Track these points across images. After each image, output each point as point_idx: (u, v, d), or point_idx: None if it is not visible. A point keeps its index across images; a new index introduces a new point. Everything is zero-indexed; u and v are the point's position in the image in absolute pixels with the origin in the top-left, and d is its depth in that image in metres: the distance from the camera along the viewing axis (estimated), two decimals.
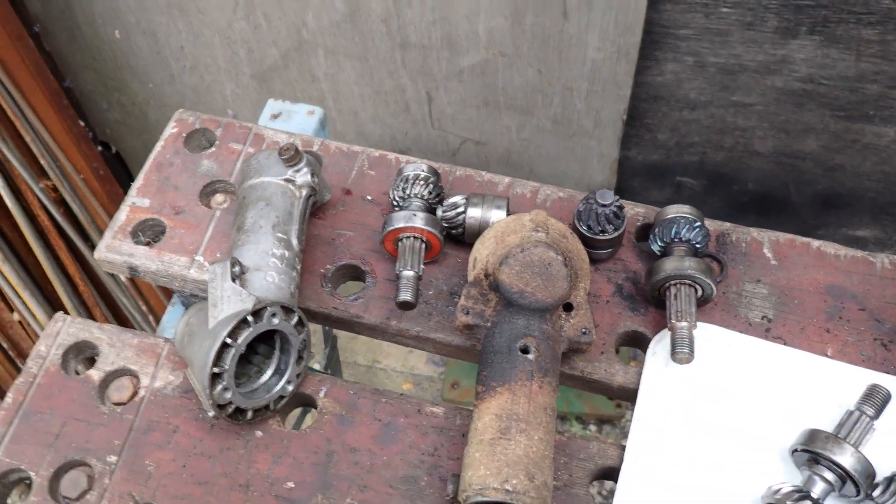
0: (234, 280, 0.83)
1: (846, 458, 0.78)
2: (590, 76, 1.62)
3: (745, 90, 1.63)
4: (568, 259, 0.85)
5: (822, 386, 0.89)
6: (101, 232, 1.86)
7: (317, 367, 1.48)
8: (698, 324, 0.89)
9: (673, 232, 0.90)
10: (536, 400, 0.80)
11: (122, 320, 2.03)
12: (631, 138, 1.80)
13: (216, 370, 0.80)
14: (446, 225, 0.96)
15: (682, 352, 0.83)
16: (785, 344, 0.91)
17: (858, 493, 0.79)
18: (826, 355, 0.90)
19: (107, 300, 1.98)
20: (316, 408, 0.91)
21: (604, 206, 0.92)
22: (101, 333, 0.96)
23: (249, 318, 0.81)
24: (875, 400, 0.83)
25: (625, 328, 0.93)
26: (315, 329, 2.22)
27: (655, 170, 1.88)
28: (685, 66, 1.61)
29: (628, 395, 0.90)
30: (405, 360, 2.30)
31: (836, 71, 1.55)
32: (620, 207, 0.94)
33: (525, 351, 0.82)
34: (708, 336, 0.91)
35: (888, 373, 0.89)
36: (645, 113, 1.74)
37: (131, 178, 2.22)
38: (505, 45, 1.59)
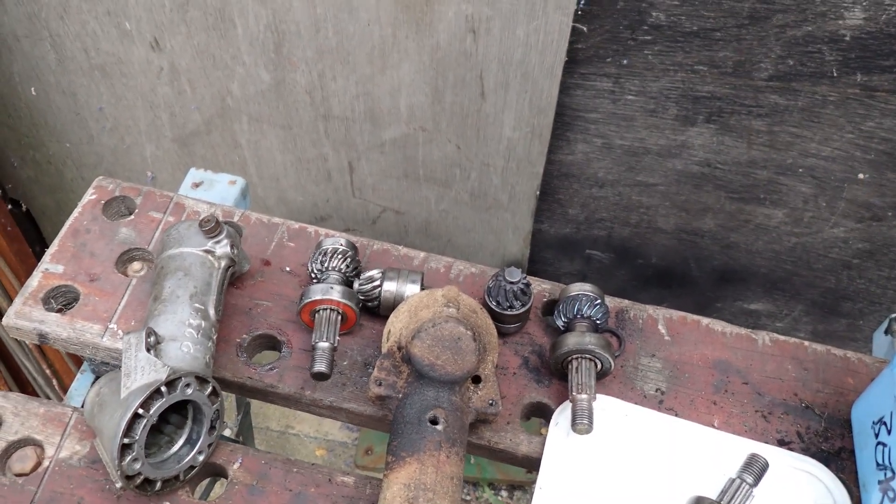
0: (148, 350, 0.84)
1: None
2: (506, 153, 1.70)
3: (649, 171, 1.74)
4: (477, 334, 0.89)
5: (709, 455, 0.95)
6: (5, 291, 1.80)
7: (228, 433, 1.47)
8: (598, 396, 0.94)
9: (575, 309, 0.96)
10: (444, 470, 0.83)
11: (22, 383, 1.96)
12: (544, 212, 1.89)
13: (126, 441, 0.80)
14: (363, 298, 1.00)
15: (581, 423, 0.88)
16: (676, 415, 0.97)
17: None
18: (713, 426, 0.97)
19: (7, 362, 1.91)
20: (227, 478, 0.91)
21: (511, 283, 0.97)
22: (4, 402, 0.94)
23: (163, 389, 0.82)
24: (754, 468, 0.89)
25: (530, 399, 0.97)
26: (229, 395, 2.19)
27: (567, 243, 1.97)
28: (594, 147, 1.71)
29: (533, 464, 0.94)
30: (318, 426, 2.28)
31: (730, 157, 1.68)
32: (527, 284, 0.99)
33: (434, 422, 0.85)
34: (607, 407, 0.97)
35: (767, 443, 0.96)
36: (557, 189, 1.83)
37: (42, 237, 2.17)
38: (425, 121, 1.65)
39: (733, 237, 1.85)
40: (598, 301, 0.96)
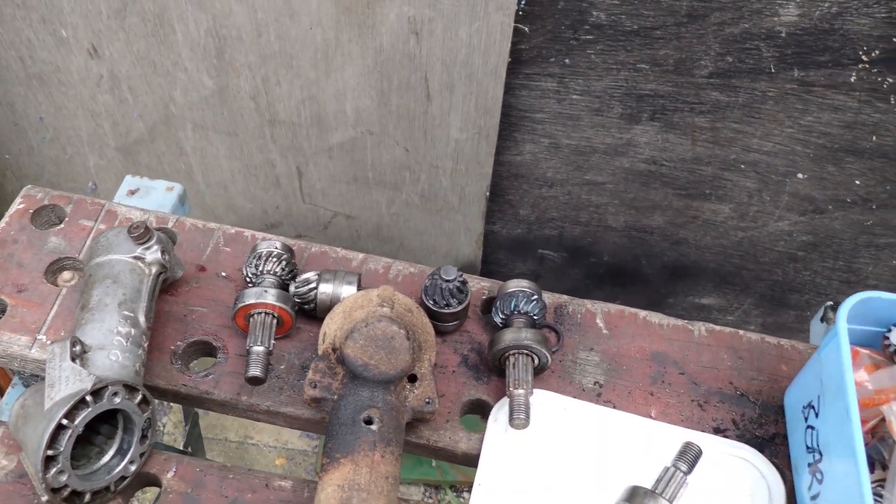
0: (73, 359, 0.82)
1: None
2: (454, 155, 1.70)
3: (597, 170, 1.76)
4: (412, 332, 0.88)
5: (645, 445, 0.96)
6: None
7: (176, 445, 1.45)
8: (536, 391, 0.94)
9: (512, 305, 0.96)
10: (379, 469, 0.82)
11: None
12: (495, 213, 1.89)
13: (50, 452, 0.78)
14: (298, 300, 0.99)
15: (518, 418, 0.88)
16: (614, 407, 0.98)
17: None
18: (650, 416, 0.97)
19: None
20: (161, 487, 0.90)
21: (447, 281, 0.97)
22: None
23: (88, 398, 0.80)
24: (688, 456, 0.90)
25: (469, 396, 0.97)
26: (177, 407, 2.15)
27: (519, 243, 1.98)
28: (542, 147, 1.72)
29: (472, 462, 0.94)
30: (278, 436, 2.26)
31: (675, 154, 1.70)
32: (464, 282, 0.99)
33: (368, 422, 0.84)
34: (545, 402, 0.97)
35: (703, 431, 0.97)
36: (507, 190, 1.83)
37: None
38: (372, 124, 1.65)
39: (682, 233, 1.87)
40: (535, 297, 0.97)
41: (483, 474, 0.91)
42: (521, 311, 0.95)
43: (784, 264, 1.89)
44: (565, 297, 1.06)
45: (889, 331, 0.89)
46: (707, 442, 0.94)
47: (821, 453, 0.84)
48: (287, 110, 1.63)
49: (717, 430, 0.97)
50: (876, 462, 0.85)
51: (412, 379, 0.91)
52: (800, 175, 1.69)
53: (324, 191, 1.81)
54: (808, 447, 0.87)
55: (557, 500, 0.91)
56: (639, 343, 1.03)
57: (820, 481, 0.83)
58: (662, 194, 1.79)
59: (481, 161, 1.70)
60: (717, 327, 1.05)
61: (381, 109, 1.62)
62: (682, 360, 1.02)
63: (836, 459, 0.81)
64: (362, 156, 1.72)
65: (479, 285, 1.08)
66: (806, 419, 0.89)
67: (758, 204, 1.78)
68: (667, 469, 0.90)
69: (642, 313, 1.06)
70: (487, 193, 1.78)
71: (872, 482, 0.80)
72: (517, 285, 0.98)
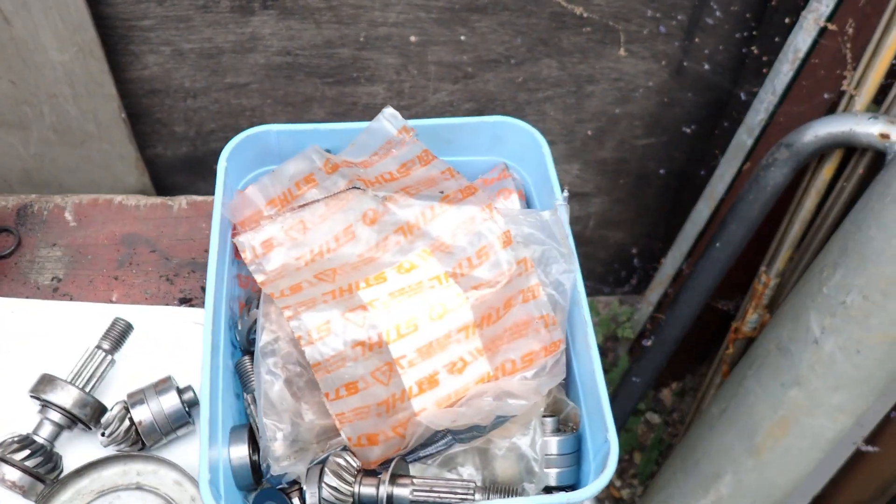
0: None
1: (64, 398, 0.82)
2: (67, 80, 1.57)
3: (234, 71, 1.68)
4: None
5: (80, 330, 0.93)
6: None
7: None
8: None
9: None
10: None
11: None
12: (149, 135, 1.79)
13: None
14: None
15: None
16: (72, 300, 0.94)
17: (89, 427, 0.84)
18: (111, 301, 0.94)
19: None
20: None
21: None
22: None
23: None
24: (112, 333, 0.87)
25: None
26: None
27: (192, 163, 1.88)
28: (165, 57, 1.62)
29: None
30: None
31: (304, 41, 1.64)
32: None
33: None
34: None
35: (168, 304, 0.94)
36: (150, 109, 1.73)
37: None
38: None
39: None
40: None
41: None
42: None
43: None
44: (33, 196, 1.00)
45: None
46: (172, 314, 0.92)
47: None
48: None
49: (184, 301, 0.94)
50: None
51: None
52: (434, 42, 1.67)
53: None
54: None
55: None
56: (109, 229, 0.99)
57: None
58: (312, 86, 1.74)
59: (99, 80, 1.58)
60: (199, 198, 1.02)
61: None
62: (157, 237, 0.99)
63: None
64: None
65: None
66: None
67: (408, 79, 1.75)
68: (88, 350, 0.87)
69: (118, 198, 1.01)
70: (124, 115, 1.67)
71: None
72: None
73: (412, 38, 1.66)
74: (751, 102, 1.78)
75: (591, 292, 2.39)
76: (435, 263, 0.84)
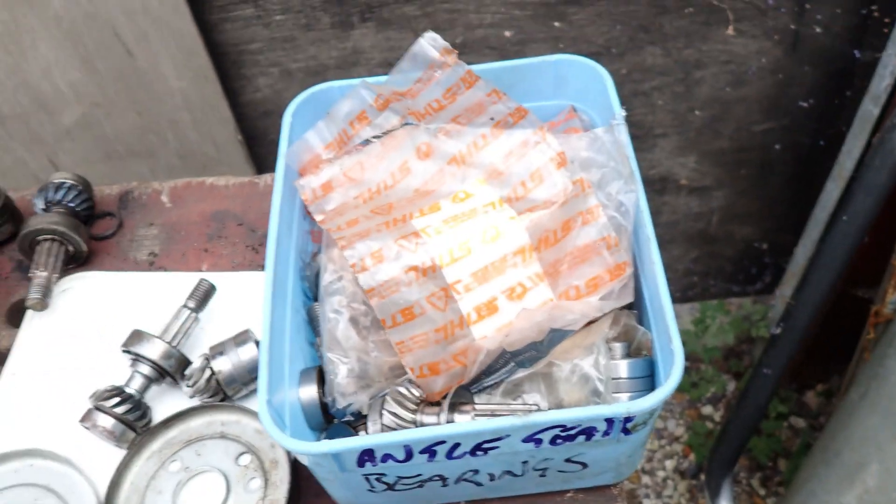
0: None
1: (152, 350, 0.85)
2: (185, 105, 1.71)
3: None
4: None
5: (172, 296, 0.98)
6: None
7: None
8: (81, 273, 0.96)
9: (50, 195, 0.98)
10: None
11: None
12: (266, 157, 1.89)
13: None
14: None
15: (33, 298, 0.90)
16: (165, 271, 0.99)
17: (175, 380, 0.87)
18: (201, 271, 0.98)
19: None
20: None
21: None
22: None
23: None
24: (197, 293, 0.90)
25: (19, 297, 0.99)
26: None
27: None
28: (274, 78, 1.73)
29: None
30: None
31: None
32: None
33: None
34: (87, 284, 1.00)
35: (254, 270, 0.97)
36: (265, 130, 1.84)
37: None
38: (93, 95, 1.66)
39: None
40: (74, 186, 0.98)
41: (13, 363, 0.93)
42: (58, 201, 0.97)
43: None
44: (134, 183, 1.07)
45: None
46: (249, 278, 0.96)
47: None
48: (7, 102, 1.65)
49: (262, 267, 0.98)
50: None
51: None
52: (532, 39, 1.68)
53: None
54: None
55: (92, 372, 0.95)
56: (200, 207, 1.04)
57: None
58: None
59: (214, 104, 1.71)
60: None
61: (93, 77, 1.63)
62: (243, 212, 1.03)
63: None
64: (101, 130, 1.73)
65: None
66: None
67: None
68: (177, 310, 0.91)
69: (210, 180, 1.07)
70: (240, 137, 1.79)
71: None
72: (62, 177, 1.00)
73: (507, 34, 1.67)
74: (874, 69, 1.64)
75: (720, 293, 2.25)
76: (489, 190, 0.83)
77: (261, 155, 1.87)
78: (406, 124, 0.86)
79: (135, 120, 1.72)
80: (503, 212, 0.81)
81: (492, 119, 0.84)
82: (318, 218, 0.86)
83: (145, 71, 1.63)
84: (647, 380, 0.78)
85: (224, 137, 1.78)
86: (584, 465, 0.78)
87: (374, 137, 0.87)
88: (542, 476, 0.80)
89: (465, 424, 0.70)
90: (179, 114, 1.72)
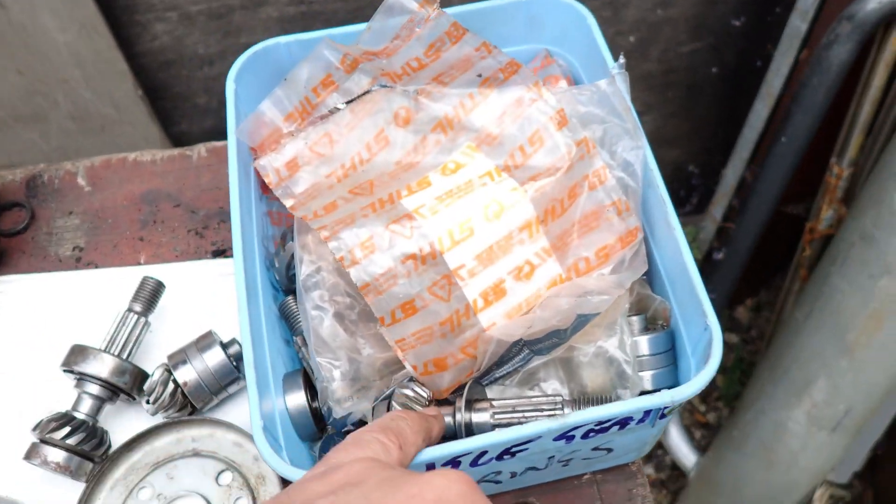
0: None
1: (99, 367, 0.74)
2: (75, 61, 1.50)
3: (248, 30, 1.58)
4: None
5: (110, 298, 0.86)
6: None
7: None
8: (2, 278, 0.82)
9: None
10: None
11: None
12: (174, 113, 1.71)
13: None
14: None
15: None
16: (97, 267, 0.86)
17: (132, 397, 0.76)
18: (139, 263, 0.86)
19: None
20: None
21: None
22: None
23: None
24: (142, 294, 0.79)
25: None
26: None
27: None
28: (173, 23, 1.54)
29: None
30: None
31: None
32: None
33: None
34: (8, 289, 0.85)
35: (201, 258, 0.86)
36: (171, 83, 1.65)
37: None
38: None
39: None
40: None
41: None
42: None
43: None
44: (41, 166, 0.92)
45: None
46: (205, 268, 0.83)
47: None
48: None
49: (217, 253, 0.86)
50: None
51: None
52: None
53: None
54: None
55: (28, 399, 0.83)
56: (127, 188, 0.90)
57: None
58: None
59: (108, 58, 1.51)
60: (220, 143, 0.93)
61: None
62: (178, 190, 0.90)
63: None
64: None
65: None
66: None
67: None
68: (121, 314, 0.79)
69: (132, 155, 0.93)
70: (140, 92, 1.60)
71: None
72: None
73: None
74: None
75: None
76: (483, 158, 0.74)
77: (165, 110, 1.69)
78: (380, 86, 0.75)
79: (16, 80, 1.50)
80: (503, 183, 0.72)
81: (479, 76, 0.74)
82: (287, 203, 0.75)
83: (22, 24, 1.41)
84: (669, 354, 0.73)
85: (122, 93, 1.59)
86: (610, 451, 0.73)
87: (343, 104, 0.76)
88: (564, 466, 0.75)
89: (500, 434, 0.62)
90: (68, 70, 1.51)
